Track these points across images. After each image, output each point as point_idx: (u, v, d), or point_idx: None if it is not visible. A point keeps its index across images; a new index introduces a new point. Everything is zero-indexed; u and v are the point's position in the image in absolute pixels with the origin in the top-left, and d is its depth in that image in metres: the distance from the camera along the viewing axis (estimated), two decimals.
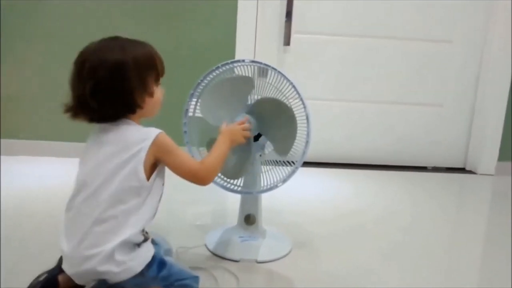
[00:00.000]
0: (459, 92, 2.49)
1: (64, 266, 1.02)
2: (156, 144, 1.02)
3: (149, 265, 1.03)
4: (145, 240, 1.05)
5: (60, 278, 1.05)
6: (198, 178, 1.09)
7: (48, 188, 1.87)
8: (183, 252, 1.35)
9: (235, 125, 1.22)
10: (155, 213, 1.07)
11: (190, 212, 1.72)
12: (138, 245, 1.03)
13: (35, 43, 2.24)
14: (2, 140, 2.27)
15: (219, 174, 1.37)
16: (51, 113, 2.30)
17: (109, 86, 1.00)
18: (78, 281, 1.01)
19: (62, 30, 2.24)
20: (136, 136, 1.03)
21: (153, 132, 1.04)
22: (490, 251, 1.56)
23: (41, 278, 1.04)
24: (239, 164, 1.31)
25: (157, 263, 1.05)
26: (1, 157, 2.19)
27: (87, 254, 0.97)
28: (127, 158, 1.00)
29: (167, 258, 1.09)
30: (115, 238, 0.97)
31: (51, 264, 1.08)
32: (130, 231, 0.98)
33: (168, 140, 1.05)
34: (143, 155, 1.01)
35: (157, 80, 1.09)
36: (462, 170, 2.56)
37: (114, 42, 1.06)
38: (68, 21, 2.23)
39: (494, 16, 2.38)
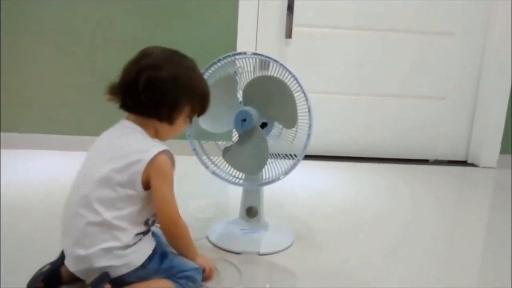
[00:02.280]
0: (461, 85, 2.48)
1: (66, 263, 1.03)
2: (155, 161, 1.01)
3: (150, 258, 1.04)
4: (146, 232, 1.06)
5: (63, 269, 1.06)
6: (168, 220, 1.05)
7: (49, 182, 1.87)
8: None
9: (210, 261, 1.17)
10: (153, 214, 1.07)
11: (192, 205, 1.72)
12: (140, 239, 1.03)
13: (36, 37, 2.23)
14: (2, 133, 2.27)
15: (227, 169, 1.38)
16: (52, 107, 2.30)
17: (164, 86, 1.03)
18: (81, 277, 1.01)
19: (63, 25, 2.23)
20: (139, 146, 1.03)
21: (158, 147, 1.03)
22: (492, 245, 1.56)
23: (44, 269, 1.05)
24: (258, 155, 1.30)
25: (159, 255, 1.06)
26: (1, 150, 2.19)
27: (83, 254, 0.98)
28: (124, 166, 1.00)
29: (168, 250, 1.10)
30: (109, 240, 0.98)
31: (52, 257, 1.09)
32: (124, 237, 0.99)
33: (167, 165, 1.03)
34: (142, 167, 1.00)
35: (195, 113, 1.12)
36: (464, 163, 2.56)
37: (185, 60, 1.11)
38: (68, 17, 2.22)
39: (496, 8, 2.37)
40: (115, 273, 0.99)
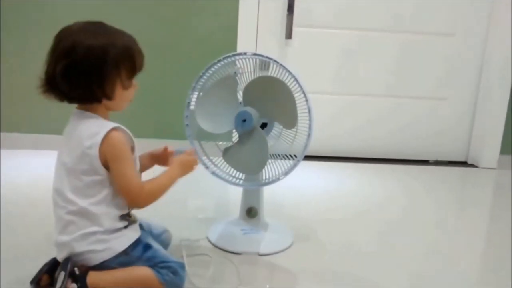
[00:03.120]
0: (461, 86, 2.48)
1: (56, 253, 1.05)
2: (106, 142, 0.99)
3: (134, 245, 1.06)
4: (131, 223, 1.08)
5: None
6: (132, 198, 1.04)
7: (48, 182, 1.85)
8: (185, 245, 1.35)
9: (185, 156, 1.18)
10: None
11: (192, 205, 1.73)
12: (125, 227, 1.06)
13: (36, 37, 2.23)
14: (2, 133, 2.27)
15: (229, 169, 1.38)
16: (52, 107, 2.29)
17: (81, 69, 0.97)
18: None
19: (64, 24, 2.23)
20: (90, 130, 1.01)
21: (107, 126, 1.00)
22: (492, 245, 1.56)
23: (47, 261, 1.07)
24: (259, 155, 1.30)
25: (143, 245, 1.08)
26: (2, 150, 2.19)
27: (65, 240, 1.01)
28: (81, 154, 1.00)
29: (154, 243, 1.10)
30: (89, 226, 1.01)
31: (52, 256, 1.09)
32: (104, 222, 1.01)
33: (118, 142, 1.00)
34: (95, 151, 0.99)
35: (132, 74, 1.05)
36: (464, 163, 2.56)
37: (97, 26, 1.03)
38: (69, 16, 2.21)
39: (497, 9, 2.36)
40: (96, 259, 1.01)
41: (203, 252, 1.31)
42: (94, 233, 1.00)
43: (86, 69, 0.98)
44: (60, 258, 1.03)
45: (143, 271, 1.04)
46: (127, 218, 1.07)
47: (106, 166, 1.01)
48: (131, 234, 1.07)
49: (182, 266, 1.08)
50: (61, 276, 0.96)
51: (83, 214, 1.00)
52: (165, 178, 1.10)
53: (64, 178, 1.02)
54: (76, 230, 1.00)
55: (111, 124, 1.01)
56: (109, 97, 1.02)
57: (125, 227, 1.06)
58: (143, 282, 1.03)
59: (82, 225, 1.00)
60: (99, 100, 1.02)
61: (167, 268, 1.05)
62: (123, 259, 1.04)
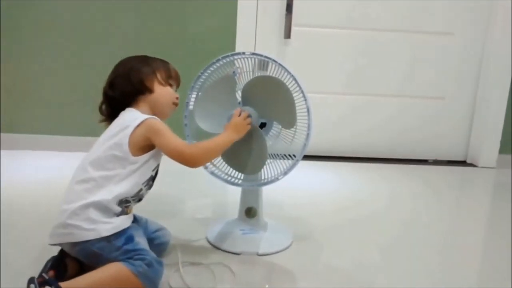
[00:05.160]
0: (460, 85, 2.48)
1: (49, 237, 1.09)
2: (145, 124, 1.11)
3: (118, 235, 1.07)
4: (123, 213, 1.10)
5: (67, 260, 1.10)
6: (184, 157, 1.11)
7: (48, 182, 1.87)
8: (184, 245, 1.35)
9: (235, 118, 1.23)
10: (138, 193, 1.12)
11: (191, 205, 1.72)
12: (116, 215, 1.08)
13: (36, 37, 2.23)
14: (2, 134, 2.27)
15: (223, 168, 1.38)
16: (52, 107, 2.30)
17: (122, 75, 1.19)
18: (52, 240, 1.08)
19: (63, 25, 2.23)
20: (129, 117, 1.14)
21: (146, 116, 1.13)
22: (491, 244, 1.56)
23: (52, 257, 1.10)
24: (257, 155, 1.30)
25: (126, 236, 1.09)
26: (1, 151, 2.19)
27: (63, 208, 1.06)
28: (116, 132, 1.11)
29: (138, 237, 1.10)
30: (89, 197, 1.06)
31: (51, 256, 1.11)
32: (103, 196, 1.06)
33: (158, 122, 1.13)
34: (129, 130, 1.10)
35: (167, 76, 1.23)
36: (463, 163, 2.56)
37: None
38: (68, 17, 2.22)
39: (496, 8, 2.37)
40: (80, 236, 1.04)
41: (197, 261, 1.29)
42: (89, 204, 1.05)
43: (127, 74, 1.19)
44: (52, 228, 1.08)
45: (115, 267, 1.03)
46: (124, 206, 1.10)
47: (134, 148, 1.09)
48: (119, 223, 1.08)
49: (158, 261, 1.08)
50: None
51: (88, 183, 1.07)
52: (221, 138, 1.18)
53: (91, 152, 1.12)
54: (75, 200, 1.06)
55: (150, 116, 1.14)
56: (149, 89, 1.18)
57: (117, 215, 1.09)
58: (117, 277, 1.02)
59: (82, 197, 1.06)
60: (141, 92, 1.18)
61: (141, 260, 1.05)
62: (103, 245, 1.05)
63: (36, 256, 1.21)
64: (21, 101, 2.29)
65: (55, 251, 1.12)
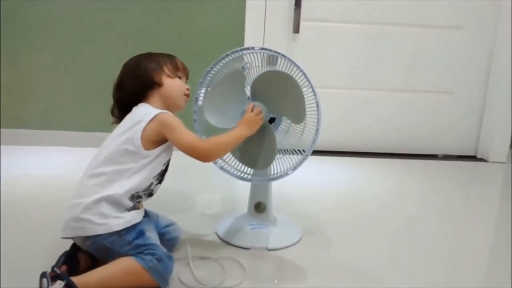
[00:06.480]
0: (470, 79, 2.46)
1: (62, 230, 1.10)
2: (157, 119, 1.12)
3: (129, 229, 1.08)
4: (135, 208, 1.11)
5: (80, 255, 1.11)
6: (197, 152, 1.13)
7: (50, 178, 1.85)
8: (194, 240, 1.36)
9: (248, 114, 1.23)
10: (149, 187, 1.13)
11: (201, 200, 1.73)
12: (128, 210, 1.09)
13: (37, 33, 2.24)
14: (2, 129, 2.29)
15: (236, 162, 1.38)
16: (53, 103, 2.30)
17: (128, 74, 1.20)
18: (64, 233, 1.09)
19: (65, 21, 2.23)
20: (142, 112, 1.15)
21: (159, 111, 1.14)
22: (501, 240, 1.55)
23: (64, 252, 1.11)
24: (267, 150, 1.30)
25: (137, 231, 1.09)
26: (2, 146, 2.20)
27: (76, 201, 1.07)
28: (128, 127, 1.13)
29: (149, 232, 1.11)
30: (101, 191, 1.07)
31: (53, 254, 1.12)
32: (115, 190, 1.07)
33: (170, 117, 1.14)
34: (142, 125, 1.11)
35: (174, 68, 1.23)
36: (473, 158, 2.54)
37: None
38: (70, 12, 2.22)
39: (506, 2, 2.34)
40: (92, 231, 1.05)
41: (207, 256, 1.29)
42: (100, 199, 1.06)
43: (131, 74, 1.21)
44: (64, 221, 1.08)
45: (125, 262, 1.04)
46: (136, 201, 1.11)
47: (146, 143, 1.10)
48: (130, 218, 1.09)
49: (169, 256, 1.09)
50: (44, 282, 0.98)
51: (100, 177, 1.08)
52: (233, 133, 1.19)
53: (104, 147, 1.13)
54: (87, 194, 1.07)
55: (162, 110, 1.15)
56: (158, 83, 1.19)
57: (128, 210, 1.10)
58: (128, 272, 1.03)
59: (94, 191, 1.07)
60: (151, 87, 1.19)
61: (151, 255, 1.05)
62: (115, 239, 1.06)
63: (37, 253, 1.23)
64: (22, 96, 2.29)
65: (55, 250, 1.12)
